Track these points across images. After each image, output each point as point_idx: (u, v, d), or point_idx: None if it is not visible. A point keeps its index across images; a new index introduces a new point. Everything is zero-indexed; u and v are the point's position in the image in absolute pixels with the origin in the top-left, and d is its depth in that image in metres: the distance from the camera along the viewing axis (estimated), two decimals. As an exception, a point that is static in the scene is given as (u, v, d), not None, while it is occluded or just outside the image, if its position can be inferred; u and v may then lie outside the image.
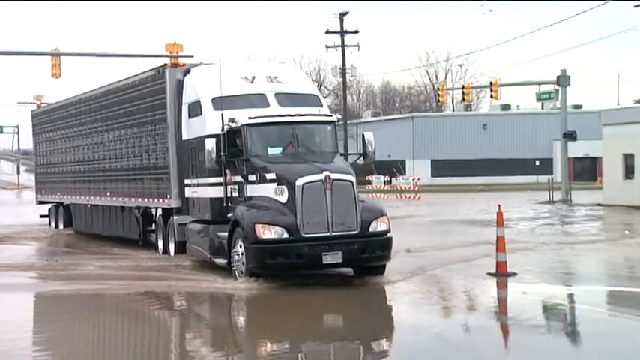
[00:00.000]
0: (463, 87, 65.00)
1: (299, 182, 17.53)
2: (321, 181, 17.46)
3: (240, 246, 17.96)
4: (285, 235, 17.41)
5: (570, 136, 49.69)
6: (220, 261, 19.36)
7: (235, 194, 19.50)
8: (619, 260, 22.89)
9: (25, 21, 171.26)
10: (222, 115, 19.24)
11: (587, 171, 72.62)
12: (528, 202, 47.54)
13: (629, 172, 45.87)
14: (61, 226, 33.43)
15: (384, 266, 18.60)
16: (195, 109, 21.17)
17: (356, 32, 70.40)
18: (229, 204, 19.66)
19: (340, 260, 17.64)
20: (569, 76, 51.22)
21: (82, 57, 48.97)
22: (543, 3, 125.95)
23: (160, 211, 24.77)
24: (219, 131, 19.25)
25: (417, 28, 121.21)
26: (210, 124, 20.00)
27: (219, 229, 19.64)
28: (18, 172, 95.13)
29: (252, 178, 18.83)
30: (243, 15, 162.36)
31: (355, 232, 17.73)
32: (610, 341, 12.89)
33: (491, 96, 60.79)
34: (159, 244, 24.82)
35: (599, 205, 46.32)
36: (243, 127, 18.94)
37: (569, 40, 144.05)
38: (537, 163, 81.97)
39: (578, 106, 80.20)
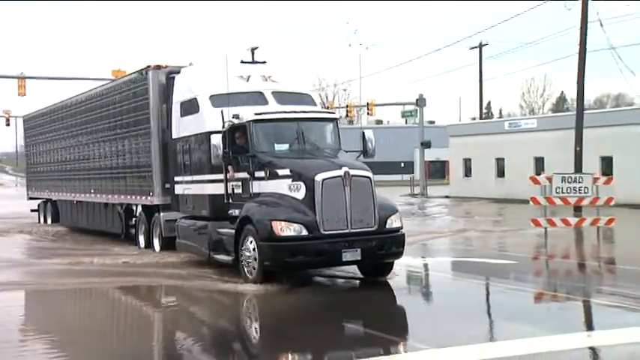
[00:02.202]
0: (347, 106, 63.63)
1: (318, 178, 12.97)
2: (340, 176, 12.98)
3: (251, 243, 13.30)
4: (304, 232, 12.86)
5: (426, 145, 51.96)
6: (223, 258, 14.65)
7: (238, 190, 14.75)
8: (460, 239, 22.77)
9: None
10: (221, 112, 14.67)
11: (438, 171, 73.49)
12: (396, 194, 45.09)
13: (467, 172, 49.94)
14: (49, 221, 28.69)
15: (393, 264, 14.15)
16: (190, 107, 16.41)
17: (264, 62, 67.97)
18: (230, 200, 14.95)
19: (359, 257, 13.19)
20: (425, 99, 53.13)
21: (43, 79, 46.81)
22: (408, 44, 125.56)
23: (140, 208, 20.04)
24: (218, 128, 14.64)
25: (312, 59, 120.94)
26: (209, 121, 15.32)
27: (220, 226, 14.98)
28: None
29: (259, 174, 14.12)
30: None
31: (373, 228, 13.26)
32: (452, 297, 13.09)
33: (368, 113, 61.94)
34: (140, 239, 20.03)
35: (447, 196, 48.58)
36: (249, 123, 14.29)
37: (426, 71, 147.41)
38: (402, 165, 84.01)
39: (432, 122, 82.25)
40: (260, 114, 14.62)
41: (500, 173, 45.83)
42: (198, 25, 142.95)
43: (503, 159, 45.48)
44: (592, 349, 9.15)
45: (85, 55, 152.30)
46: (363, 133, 15.48)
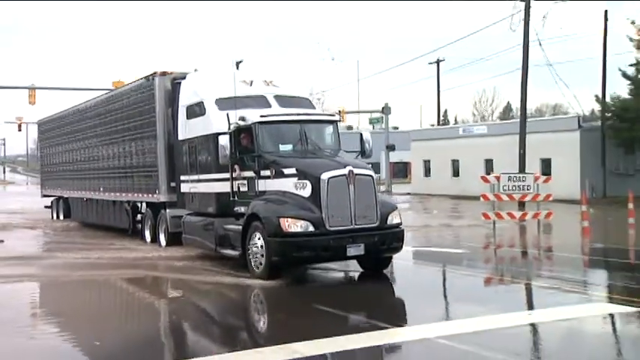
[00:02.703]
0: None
1: (324, 177, 11.96)
2: (344, 175, 12.03)
3: (259, 239, 12.26)
4: (311, 228, 11.86)
5: (391, 148, 49.74)
6: (229, 252, 13.57)
7: (243, 189, 13.64)
8: (420, 231, 21.91)
9: (8, 58, 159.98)
10: (227, 114, 13.54)
11: (401, 171, 71.81)
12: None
13: (427, 172, 49.28)
14: (61, 217, 27.38)
15: (391, 258, 13.23)
16: (197, 110, 15.24)
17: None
18: (236, 198, 13.80)
19: (363, 252, 12.21)
20: (390, 107, 51.10)
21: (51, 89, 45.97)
22: (376, 58, 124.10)
23: (144, 205, 18.88)
24: (224, 129, 13.52)
25: (288, 71, 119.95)
26: (215, 122, 14.12)
27: (226, 222, 13.87)
28: (4, 172, 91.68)
29: (265, 173, 13.06)
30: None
31: (375, 224, 12.30)
32: (413, 282, 13.07)
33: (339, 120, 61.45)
34: (146, 234, 18.76)
35: (409, 193, 47.90)
36: (255, 125, 13.24)
37: (391, 83, 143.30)
38: (370, 165, 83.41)
39: (396, 127, 79.91)
40: (265, 116, 13.60)
41: (456, 173, 45.39)
42: (188, 37, 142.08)
43: (458, 160, 45.08)
44: (533, 325, 9.10)
45: (88, 67, 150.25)
46: (361, 134, 14.72)
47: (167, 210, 17.18)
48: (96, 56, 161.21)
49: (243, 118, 13.50)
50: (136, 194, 18.99)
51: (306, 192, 12.31)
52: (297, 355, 7.35)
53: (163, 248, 17.32)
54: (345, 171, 12.22)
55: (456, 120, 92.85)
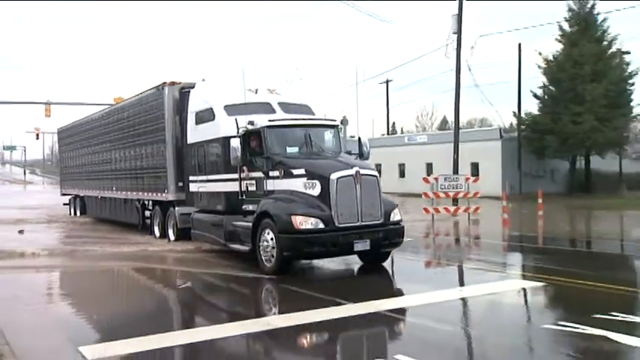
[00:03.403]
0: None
1: (333, 177, 10.76)
2: (352, 175, 10.86)
3: (268, 234, 10.96)
4: (321, 225, 10.65)
5: (348, 153, 49.35)
6: (238, 247, 12.20)
7: (252, 188, 12.30)
8: None
9: (27, 77, 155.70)
10: (235, 119, 12.27)
11: None
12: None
13: (378, 174, 47.08)
14: (78, 213, 25.84)
15: (390, 252, 12.03)
16: (206, 116, 13.79)
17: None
18: (244, 197, 12.45)
19: (369, 247, 10.98)
20: (347, 119, 50.29)
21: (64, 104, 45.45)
22: (334, 78, 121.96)
23: (155, 203, 17.36)
24: (232, 133, 12.24)
25: None
26: (224, 127, 12.79)
27: (234, 219, 12.53)
28: (24, 174, 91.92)
29: (274, 173, 11.73)
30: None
31: (380, 221, 11.11)
32: (366, 267, 11.88)
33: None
34: (155, 229, 17.25)
35: None
36: (264, 129, 11.98)
37: (348, 99, 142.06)
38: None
39: (353, 136, 79.70)
40: (273, 120, 12.26)
41: (402, 175, 44.99)
42: (171, 57, 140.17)
43: (404, 164, 44.77)
44: (463, 299, 9.12)
45: (95, 84, 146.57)
46: (360, 138, 13.38)
47: (176, 208, 15.64)
48: (102, 74, 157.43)
49: (252, 123, 12.17)
50: (146, 193, 17.50)
51: (316, 191, 11.01)
52: (270, 327, 7.32)
53: (173, 242, 15.77)
54: (352, 171, 11.01)
55: (402, 130, 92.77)
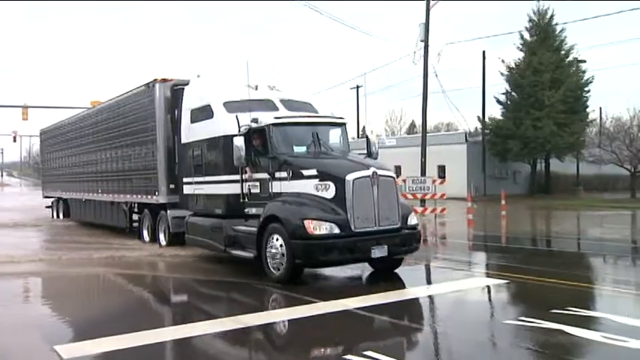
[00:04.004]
0: None
1: (349, 177, 9.38)
2: (368, 176, 9.51)
3: (278, 241, 9.56)
4: (336, 230, 9.24)
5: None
6: (240, 253, 10.70)
7: (255, 190, 10.82)
8: None
9: (5, 81, 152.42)
10: (236, 117, 10.89)
11: None
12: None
13: None
14: (61, 216, 23.70)
15: (403, 258, 10.73)
16: (203, 114, 12.23)
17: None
18: (246, 200, 11.00)
19: (386, 254, 9.61)
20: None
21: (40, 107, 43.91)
22: (307, 84, 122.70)
23: (144, 206, 15.68)
24: (234, 132, 10.84)
25: None
26: (224, 125, 11.33)
27: (235, 223, 11.04)
28: (1, 176, 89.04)
29: (281, 174, 10.29)
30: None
31: (397, 225, 9.78)
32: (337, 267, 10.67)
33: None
34: (144, 233, 15.51)
35: None
36: (269, 127, 10.53)
37: (322, 104, 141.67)
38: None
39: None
40: (279, 118, 10.83)
41: None
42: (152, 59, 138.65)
43: None
44: (430, 296, 9.00)
45: (72, 87, 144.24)
46: (368, 137, 12.24)
47: (168, 211, 13.97)
48: (79, 77, 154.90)
49: (256, 120, 10.71)
50: (134, 196, 15.73)
51: (329, 193, 9.59)
52: (241, 325, 7.08)
53: (164, 247, 14.10)
54: (369, 172, 9.64)
55: (371, 134, 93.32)
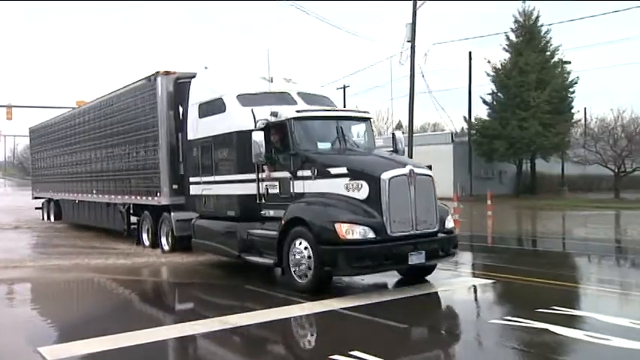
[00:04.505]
0: None
1: (385, 176, 8.33)
2: (405, 175, 8.48)
3: (302, 244, 8.53)
4: (371, 234, 8.20)
5: None
6: (257, 259, 9.66)
7: (273, 191, 9.75)
8: None
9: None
10: (252, 110, 9.89)
11: None
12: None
13: None
14: (52, 218, 22.11)
15: (436, 266, 9.64)
16: (214, 108, 11.07)
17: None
18: (263, 201, 9.95)
19: (424, 260, 8.61)
20: None
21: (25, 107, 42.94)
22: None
23: (138, 207, 14.67)
24: (249, 126, 9.80)
25: None
26: (238, 119, 10.23)
27: (250, 227, 9.96)
28: None
29: (304, 173, 9.20)
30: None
31: (435, 229, 8.81)
32: None
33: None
34: (144, 237, 14.29)
35: None
36: (290, 121, 9.43)
37: None
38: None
39: None
40: (301, 111, 9.75)
41: None
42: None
43: None
44: (417, 296, 8.61)
45: (57, 87, 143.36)
46: (394, 134, 11.15)
47: (172, 213, 12.77)
48: (64, 77, 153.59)
49: (275, 114, 9.64)
50: (133, 197, 14.43)
51: (362, 194, 8.51)
52: (228, 325, 6.92)
53: (168, 253, 12.90)
54: (405, 170, 8.61)
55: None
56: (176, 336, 6.62)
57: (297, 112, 9.69)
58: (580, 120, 43.20)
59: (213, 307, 8.86)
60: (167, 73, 13.06)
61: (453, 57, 55.32)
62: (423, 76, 34.89)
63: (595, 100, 78.93)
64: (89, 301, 9.47)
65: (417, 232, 8.65)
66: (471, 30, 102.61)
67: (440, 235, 9.02)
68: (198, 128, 11.68)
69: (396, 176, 8.55)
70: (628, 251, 14.65)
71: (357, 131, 10.30)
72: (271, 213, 9.84)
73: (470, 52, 40.96)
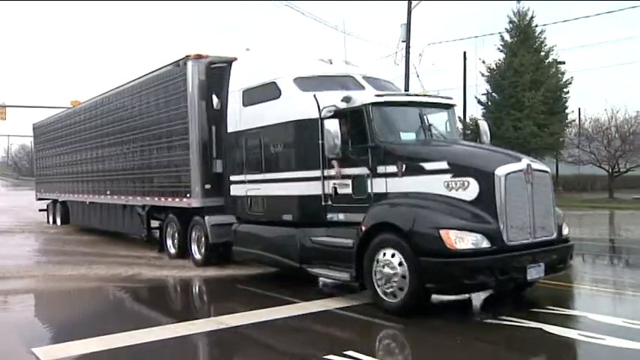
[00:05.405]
0: None
1: (500, 172, 6.76)
2: (522, 171, 6.92)
3: (393, 256, 6.98)
4: (485, 244, 6.63)
5: None
6: (326, 272, 8.15)
7: (344, 190, 8.13)
8: None
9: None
10: (314, 96, 8.29)
11: None
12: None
13: None
14: (58, 221, 19.84)
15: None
16: (263, 94, 9.38)
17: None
18: (329, 202, 8.33)
19: (542, 274, 7.06)
20: None
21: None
22: None
23: (143, 210, 13.15)
24: (312, 115, 8.26)
25: None
26: (298, 106, 8.64)
27: (314, 233, 8.38)
28: None
29: (388, 169, 7.61)
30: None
31: (553, 237, 7.26)
32: None
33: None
34: (168, 243, 12.38)
35: None
36: (367, 107, 7.82)
37: None
38: None
39: None
40: (381, 95, 8.17)
41: None
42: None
43: None
44: None
45: (51, 87, 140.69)
46: (478, 123, 9.87)
47: (206, 217, 10.86)
48: (58, 77, 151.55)
49: (348, 99, 8.04)
50: (156, 198, 12.51)
51: (469, 193, 6.93)
52: (222, 325, 6.81)
53: (200, 264, 11.06)
54: (522, 165, 7.01)
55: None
56: (170, 336, 6.41)
57: (377, 96, 8.03)
58: (574, 120, 43.18)
59: (208, 307, 8.82)
60: (199, 56, 11.16)
61: (447, 57, 55.12)
62: (417, 76, 34.50)
63: (589, 101, 79.80)
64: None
65: (536, 240, 7.01)
66: (465, 30, 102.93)
67: (560, 244, 7.45)
68: (242, 118, 9.88)
69: (513, 172, 6.90)
70: (622, 251, 14.40)
71: (440, 120, 8.63)
72: (340, 217, 8.22)
73: (464, 53, 40.51)
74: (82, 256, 12.86)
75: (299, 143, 8.67)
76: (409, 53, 30.37)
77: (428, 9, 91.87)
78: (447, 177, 7.10)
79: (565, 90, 39.16)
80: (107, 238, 15.89)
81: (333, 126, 7.81)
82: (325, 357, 5.47)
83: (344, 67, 9.57)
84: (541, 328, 6.35)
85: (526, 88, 38.15)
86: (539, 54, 39.16)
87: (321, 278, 8.87)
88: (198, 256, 11.22)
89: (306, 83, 8.86)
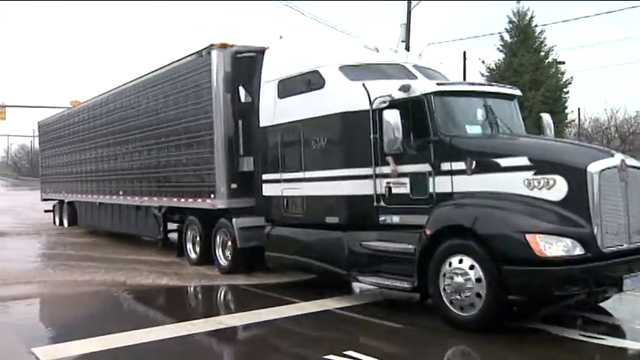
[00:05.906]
0: None
1: (593, 168, 5.78)
2: (617, 167, 5.96)
3: (471, 266, 6.09)
4: (578, 250, 5.63)
5: None
6: (379, 282, 7.26)
7: (399, 190, 7.28)
8: None
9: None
10: (364, 85, 7.51)
11: None
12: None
13: None
14: (65, 223, 18.78)
15: None
16: (304, 84, 8.48)
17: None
18: (382, 203, 7.46)
19: (638, 285, 6.12)
20: None
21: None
22: None
23: (160, 211, 12.21)
24: (361, 106, 7.44)
25: None
26: (345, 97, 7.77)
27: (364, 237, 7.49)
28: None
29: (454, 165, 6.73)
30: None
31: None
32: None
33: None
34: (189, 247, 11.35)
35: None
36: (429, 97, 6.97)
37: None
38: None
39: None
40: (443, 84, 7.41)
41: None
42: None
43: None
44: (411, 297, 7.77)
45: (51, 87, 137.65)
46: (542, 116, 8.59)
47: (234, 219, 9.83)
48: (57, 77, 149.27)
49: (406, 88, 7.17)
50: (175, 199, 11.49)
51: (556, 193, 6.04)
52: (221, 325, 6.80)
53: (226, 271, 10.08)
54: (616, 161, 6.12)
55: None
56: (170, 336, 6.32)
57: (439, 84, 7.21)
58: (574, 120, 43.13)
59: (207, 307, 8.76)
60: (224, 45, 10.14)
61: (447, 57, 55.03)
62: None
63: (589, 101, 79.63)
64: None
65: (632, 246, 6.11)
66: (465, 30, 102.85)
67: None
68: (277, 111, 8.88)
69: (607, 168, 5.99)
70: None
71: (505, 112, 7.68)
72: (395, 219, 7.30)
73: (464, 53, 40.18)
74: (91, 261, 12.12)
75: (346, 137, 7.74)
76: (409, 53, 30.05)
77: (428, 9, 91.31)
78: (529, 174, 6.18)
79: (565, 90, 38.99)
80: (117, 241, 14.98)
81: (393, 117, 6.90)
82: (325, 357, 5.40)
83: (392, 55, 8.83)
84: (543, 329, 6.18)
85: (526, 88, 37.83)
86: (539, 54, 38.93)
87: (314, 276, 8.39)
88: (223, 262, 10.21)
89: (354, 72, 7.94)
